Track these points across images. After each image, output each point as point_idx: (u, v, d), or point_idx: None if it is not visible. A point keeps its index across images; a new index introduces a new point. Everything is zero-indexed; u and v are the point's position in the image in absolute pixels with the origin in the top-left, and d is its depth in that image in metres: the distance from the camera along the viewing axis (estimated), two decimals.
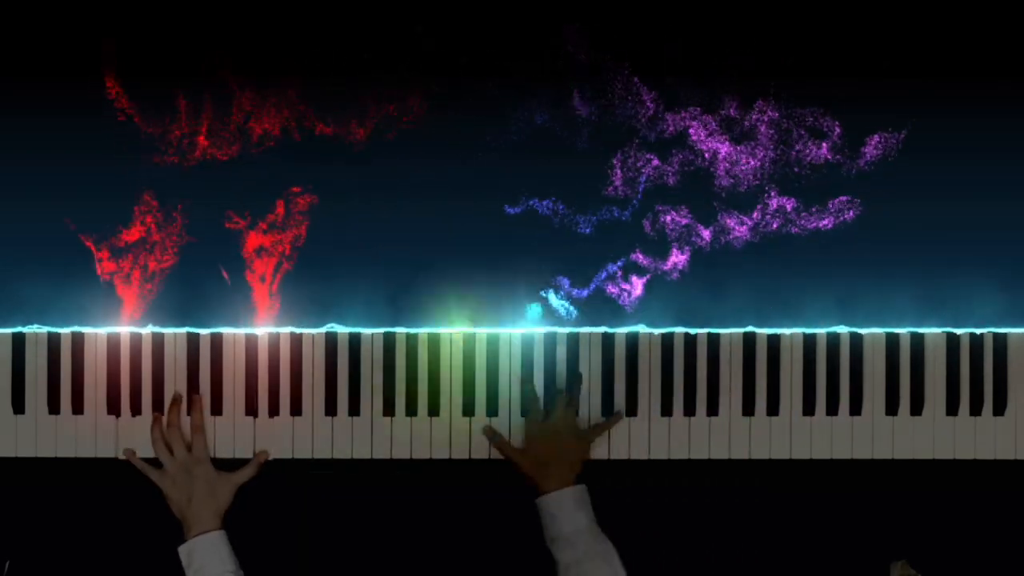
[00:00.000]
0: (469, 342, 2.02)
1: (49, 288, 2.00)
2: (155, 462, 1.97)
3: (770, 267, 2.04)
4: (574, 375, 2.01)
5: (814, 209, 2.03)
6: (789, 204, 2.03)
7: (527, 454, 1.97)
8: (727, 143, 2.00)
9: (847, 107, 2.03)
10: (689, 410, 2.03)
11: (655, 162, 2.01)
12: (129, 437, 2.00)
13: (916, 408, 2.03)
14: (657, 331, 2.03)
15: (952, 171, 2.03)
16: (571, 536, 1.88)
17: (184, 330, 2.01)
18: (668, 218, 2.02)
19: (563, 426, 1.97)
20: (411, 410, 2.02)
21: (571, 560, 1.86)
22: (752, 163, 2.02)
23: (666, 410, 2.03)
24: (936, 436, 2.03)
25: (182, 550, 1.88)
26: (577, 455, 1.96)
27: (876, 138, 2.03)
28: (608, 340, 2.03)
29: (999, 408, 2.03)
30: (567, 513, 1.89)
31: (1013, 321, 2.04)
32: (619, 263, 2.02)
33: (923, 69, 2.03)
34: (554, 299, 2.03)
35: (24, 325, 2.00)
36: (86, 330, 2.00)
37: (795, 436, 2.03)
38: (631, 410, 2.02)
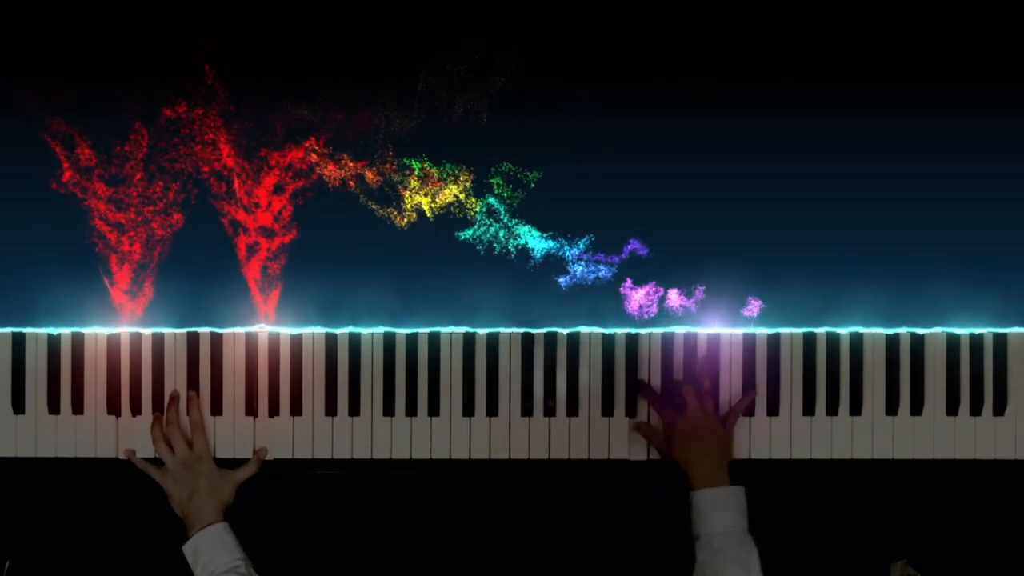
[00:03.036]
0: (469, 342, 2.02)
1: (50, 288, 2.00)
2: (156, 461, 1.97)
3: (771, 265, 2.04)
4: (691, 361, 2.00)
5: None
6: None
7: (677, 447, 1.93)
8: None
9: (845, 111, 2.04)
10: None
11: None
12: (129, 437, 2.00)
13: (916, 408, 2.03)
14: (657, 331, 2.03)
15: (952, 171, 2.03)
16: (715, 536, 1.84)
17: (184, 330, 2.01)
18: None
19: (700, 415, 1.94)
20: (411, 410, 2.02)
21: (707, 559, 1.83)
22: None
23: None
24: (936, 436, 2.03)
25: (187, 548, 1.88)
26: (723, 444, 1.94)
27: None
28: (608, 340, 2.03)
29: (999, 408, 2.03)
30: (718, 512, 1.85)
31: (1013, 321, 2.04)
32: None
33: (922, 70, 2.03)
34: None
35: (24, 325, 2.00)
36: (86, 330, 2.00)
37: (795, 436, 2.03)
38: (631, 410, 2.02)
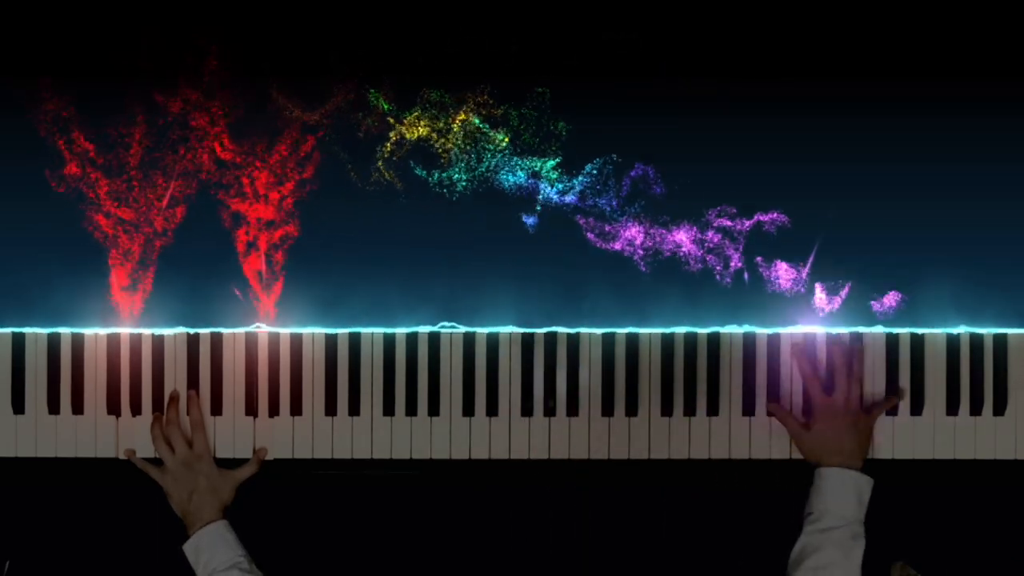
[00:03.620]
0: (469, 342, 2.02)
1: (50, 288, 2.00)
2: (156, 461, 1.97)
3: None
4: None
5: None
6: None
7: (813, 428, 1.94)
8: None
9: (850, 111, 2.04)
10: (689, 410, 2.03)
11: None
12: (129, 437, 2.00)
13: (916, 408, 2.03)
14: (657, 331, 2.03)
15: (953, 171, 2.03)
16: (828, 513, 1.83)
17: (184, 330, 2.01)
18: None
19: (845, 401, 1.95)
20: (411, 410, 2.02)
21: (812, 537, 1.82)
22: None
23: (666, 410, 2.03)
24: (936, 436, 2.03)
25: (187, 547, 1.88)
26: (865, 432, 1.94)
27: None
28: (608, 340, 2.03)
29: (999, 408, 2.03)
30: (838, 492, 1.85)
31: (1013, 321, 2.04)
32: None
33: (920, 70, 2.03)
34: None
35: (24, 325, 2.00)
36: (86, 330, 2.00)
37: None
38: (631, 410, 2.02)
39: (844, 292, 2.04)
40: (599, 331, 2.03)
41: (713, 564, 2.09)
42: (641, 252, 2.01)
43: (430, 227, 2.02)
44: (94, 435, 2.00)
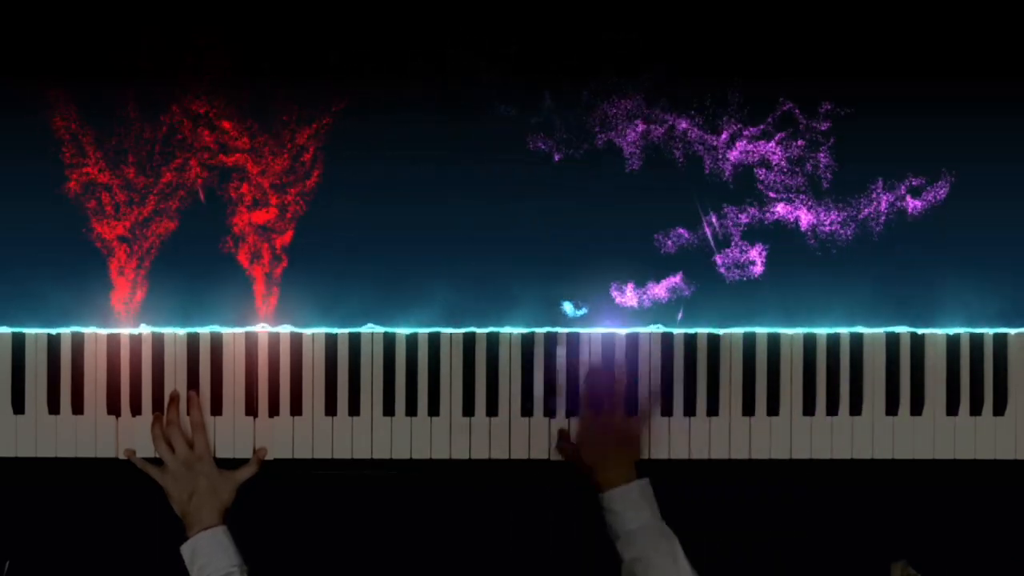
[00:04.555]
0: (469, 342, 2.02)
1: (50, 288, 2.00)
2: (156, 461, 1.97)
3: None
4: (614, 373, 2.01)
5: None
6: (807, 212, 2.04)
7: (583, 450, 1.96)
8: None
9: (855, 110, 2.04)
10: (689, 410, 2.03)
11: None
12: (129, 437, 2.00)
13: (916, 408, 2.03)
14: (657, 331, 2.03)
15: (951, 170, 2.03)
16: (635, 532, 1.86)
17: (184, 330, 2.01)
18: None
19: (613, 418, 1.96)
20: (411, 410, 2.02)
21: (634, 556, 1.84)
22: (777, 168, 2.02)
23: (666, 410, 2.03)
24: (936, 436, 2.03)
25: (185, 549, 1.88)
26: (631, 443, 1.96)
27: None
28: (608, 340, 2.03)
29: (999, 408, 2.03)
30: (631, 508, 1.87)
31: (1013, 321, 2.04)
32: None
33: (922, 70, 2.04)
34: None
35: (24, 325, 2.00)
36: (86, 330, 2.00)
37: (795, 436, 2.03)
38: (631, 410, 2.02)
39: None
40: (599, 331, 2.03)
41: (714, 565, 2.09)
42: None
43: (431, 224, 2.03)
44: (94, 435, 2.00)
